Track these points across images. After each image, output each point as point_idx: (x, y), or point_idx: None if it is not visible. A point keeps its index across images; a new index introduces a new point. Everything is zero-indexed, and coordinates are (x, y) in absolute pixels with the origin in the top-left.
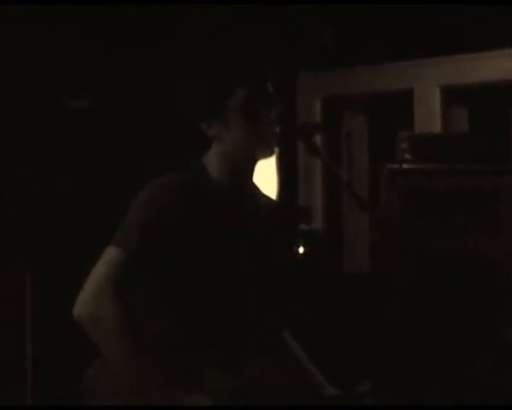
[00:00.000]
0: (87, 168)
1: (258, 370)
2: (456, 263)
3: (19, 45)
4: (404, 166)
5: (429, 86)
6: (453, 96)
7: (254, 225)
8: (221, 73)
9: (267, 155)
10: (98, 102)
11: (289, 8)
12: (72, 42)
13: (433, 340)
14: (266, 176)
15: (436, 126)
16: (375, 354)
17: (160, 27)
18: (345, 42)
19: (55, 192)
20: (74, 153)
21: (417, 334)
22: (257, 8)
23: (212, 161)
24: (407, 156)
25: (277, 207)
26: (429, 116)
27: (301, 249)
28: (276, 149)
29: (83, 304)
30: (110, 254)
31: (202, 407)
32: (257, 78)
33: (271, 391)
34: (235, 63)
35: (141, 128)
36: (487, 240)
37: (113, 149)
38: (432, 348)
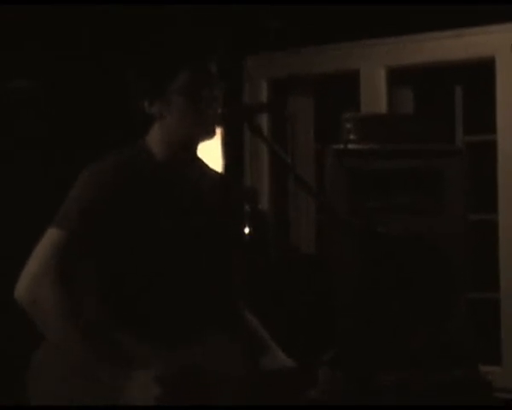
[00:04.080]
0: (29, 152)
1: (204, 348)
2: (400, 243)
3: None
4: (350, 146)
5: (375, 67)
6: (398, 76)
7: (198, 202)
8: (165, 55)
9: (207, 135)
10: (41, 82)
11: None
12: (13, 17)
13: (379, 319)
14: (212, 157)
15: (382, 107)
16: (324, 334)
17: (107, 8)
18: (291, 23)
19: None
20: (15, 138)
21: (365, 314)
22: None
23: (154, 139)
24: (352, 137)
25: (223, 181)
26: (375, 97)
27: (247, 230)
28: (219, 130)
29: (24, 286)
30: (51, 235)
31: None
32: (200, 60)
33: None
34: (179, 45)
35: (87, 108)
36: (431, 220)
37: (58, 132)
38: (378, 328)
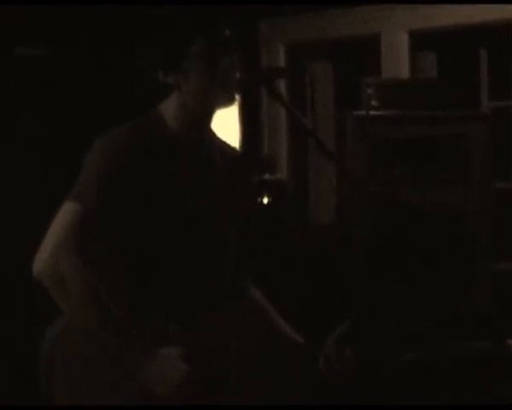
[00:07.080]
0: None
1: (219, 326)
2: (423, 212)
3: None
4: (371, 113)
5: (397, 31)
6: (421, 40)
7: (213, 173)
8: (179, 22)
9: (227, 102)
10: (56, 51)
11: None
12: None
13: (400, 291)
14: (229, 124)
15: (404, 72)
16: (340, 305)
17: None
18: None
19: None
20: (28, 107)
21: (384, 284)
22: None
23: (170, 109)
24: (373, 103)
25: (236, 154)
26: (397, 62)
27: (265, 200)
28: (238, 97)
29: (42, 261)
30: (69, 208)
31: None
32: (215, 25)
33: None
34: (193, 10)
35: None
36: (455, 188)
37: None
38: (399, 299)
